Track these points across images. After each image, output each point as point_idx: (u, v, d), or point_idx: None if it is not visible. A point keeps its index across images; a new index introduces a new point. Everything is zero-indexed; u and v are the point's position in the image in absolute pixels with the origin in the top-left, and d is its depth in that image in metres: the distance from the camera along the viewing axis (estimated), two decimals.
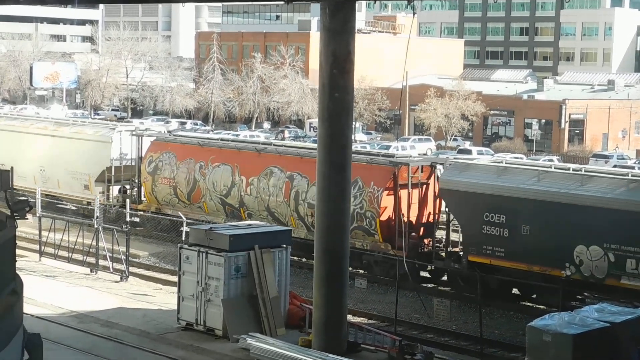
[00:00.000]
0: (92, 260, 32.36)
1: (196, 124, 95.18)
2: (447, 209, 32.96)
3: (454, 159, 37.64)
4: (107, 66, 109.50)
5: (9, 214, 13.76)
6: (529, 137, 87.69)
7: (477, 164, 32.80)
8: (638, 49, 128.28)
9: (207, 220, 36.61)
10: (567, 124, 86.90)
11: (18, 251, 26.89)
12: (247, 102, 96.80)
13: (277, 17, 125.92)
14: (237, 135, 73.80)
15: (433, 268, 33.39)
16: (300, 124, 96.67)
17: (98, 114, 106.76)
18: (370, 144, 77.47)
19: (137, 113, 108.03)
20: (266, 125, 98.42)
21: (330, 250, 22.56)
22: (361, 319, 28.34)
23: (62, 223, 35.19)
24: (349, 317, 24.85)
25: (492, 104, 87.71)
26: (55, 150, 44.67)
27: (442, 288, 33.01)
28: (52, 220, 35.12)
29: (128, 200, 39.55)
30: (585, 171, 30.18)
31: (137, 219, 41.15)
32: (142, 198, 41.60)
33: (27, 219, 41.44)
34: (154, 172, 40.67)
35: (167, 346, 23.38)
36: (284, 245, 25.15)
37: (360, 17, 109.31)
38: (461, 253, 31.61)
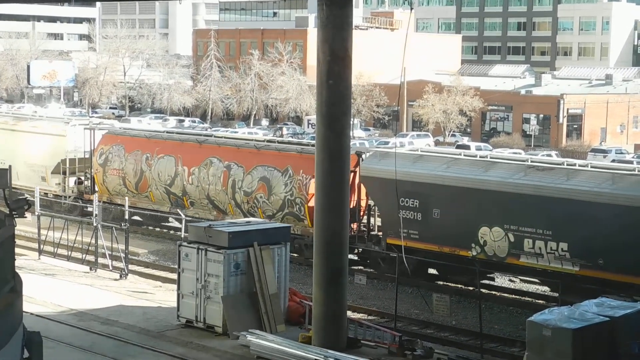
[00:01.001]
0: (91, 258, 32.36)
1: (194, 122, 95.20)
2: (367, 195, 34.82)
3: (375, 147, 39.16)
4: (104, 64, 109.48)
5: (8, 212, 13.76)
6: (527, 132, 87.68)
7: (392, 153, 34.23)
8: (635, 43, 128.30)
9: (154, 210, 39.40)
10: (565, 119, 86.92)
11: (17, 250, 26.91)
12: (245, 99, 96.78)
13: (275, 13, 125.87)
14: (236, 132, 73.82)
15: (361, 251, 34.78)
16: (298, 120, 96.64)
17: (96, 112, 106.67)
18: (369, 140, 77.52)
19: (135, 111, 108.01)
20: (264, 122, 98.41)
21: (329, 246, 22.56)
22: (361, 315, 28.35)
23: (60, 221, 35.18)
24: (349, 313, 24.86)
25: (490, 99, 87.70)
26: (14, 144, 46.54)
27: (367, 269, 33.87)
28: (51, 218, 35.12)
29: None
30: (490, 158, 32.49)
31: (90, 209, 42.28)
32: (96, 189, 43.37)
33: (25, 217, 41.58)
34: (105, 163, 42.54)
35: (167, 343, 23.38)
36: (283, 242, 25.15)
37: (358, 13, 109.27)
38: (381, 236, 33.52)
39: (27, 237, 37.24)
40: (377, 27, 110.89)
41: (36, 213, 34.96)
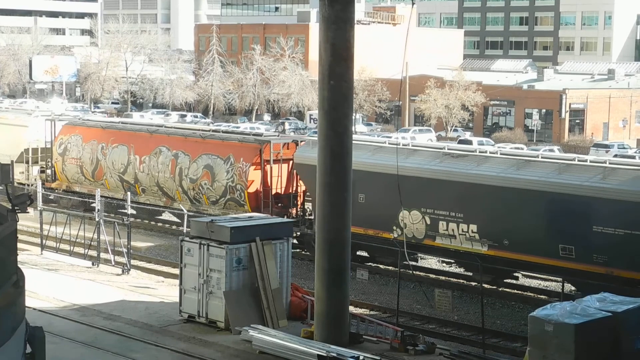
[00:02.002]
0: (93, 253, 32.38)
1: (196, 117, 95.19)
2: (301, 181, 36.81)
3: (309, 136, 41.94)
4: (106, 59, 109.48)
5: (10, 207, 13.75)
6: (530, 127, 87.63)
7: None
8: (638, 38, 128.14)
9: (109, 196, 41.03)
10: (567, 114, 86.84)
11: (20, 245, 26.85)
12: (247, 94, 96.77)
13: (276, 8, 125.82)
14: (237, 127, 73.84)
15: (299, 234, 36.05)
16: (300, 115, 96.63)
17: (98, 107, 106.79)
18: (371, 135, 77.44)
19: (137, 106, 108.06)
20: (266, 117, 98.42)
21: (331, 241, 22.55)
22: (363, 310, 28.37)
23: (63, 216, 35.20)
24: (351, 309, 24.85)
25: (492, 94, 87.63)
26: None
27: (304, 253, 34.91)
28: (54, 213, 35.14)
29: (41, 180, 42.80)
30: (412, 146, 34.69)
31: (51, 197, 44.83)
32: (56, 177, 45.77)
33: (28, 212, 41.69)
34: (64, 153, 44.76)
35: (170, 338, 23.39)
36: (285, 237, 25.15)
37: (360, 8, 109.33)
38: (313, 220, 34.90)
39: (30, 232, 37.28)
40: (379, 22, 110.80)
41: (38, 208, 35.00)
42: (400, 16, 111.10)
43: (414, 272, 31.56)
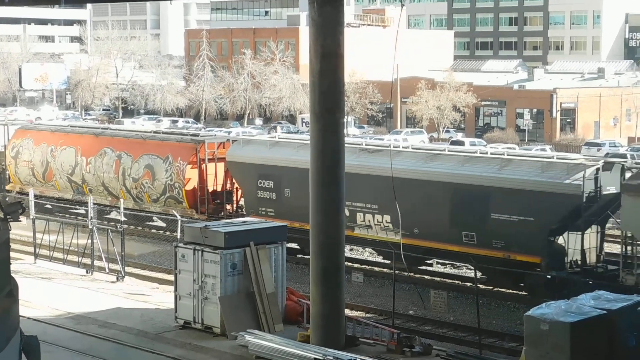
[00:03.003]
0: (87, 261, 32.29)
1: (188, 122, 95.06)
2: (234, 179, 38.79)
3: (240, 136, 44.73)
4: (96, 66, 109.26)
5: (2, 216, 13.71)
6: (521, 127, 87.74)
7: (254, 140, 39.93)
8: (626, 37, 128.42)
9: (59, 197, 43.07)
10: (558, 113, 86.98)
11: (13, 254, 26.74)
12: (239, 99, 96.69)
13: (266, 12, 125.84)
14: (229, 132, 73.81)
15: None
16: (292, 119, 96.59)
17: (89, 114, 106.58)
18: (363, 138, 77.45)
19: (128, 112, 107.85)
20: (258, 121, 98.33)
21: (326, 245, 22.54)
22: (359, 312, 28.37)
23: (56, 225, 35.10)
24: (347, 311, 24.85)
25: (483, 94, 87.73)
26: None
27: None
28: (46, 222, 35.04)
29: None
30: None
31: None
32: (10, 180, 47.82)
33: (20, 221, 41.62)
34: (16, 156, 46.97)
35: (166, 345, 23.34)
36: (280, 241, 25.12)
37: (349, 10, 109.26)
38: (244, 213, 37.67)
39: (23, 241, 37.16)
40: (369, 25, 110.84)
41: (31, 217, 34.90)
42: (390, 18, 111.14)
43: (410, 273, 31.67)
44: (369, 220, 33.56)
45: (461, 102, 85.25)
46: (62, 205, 44.23)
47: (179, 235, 32.33)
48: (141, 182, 40.89)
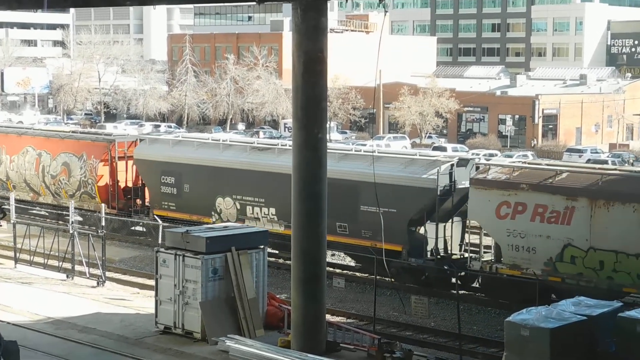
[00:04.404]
0: (68, 266, 32.14)
1: (170, 127, 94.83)
2: (140, 175, 41.33)
3: (147, 134, 48.55)
4: (79, 70, 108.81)
5: None
6: (503, 133, 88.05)
7: (159, 139, 42.20)
8: (608, 43, 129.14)
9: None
10: (540, 119, 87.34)
11: None
12: (221, 104, 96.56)
13: (249, 17, 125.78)
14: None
15: (142, 223, 40.96)
16: (275, 124, 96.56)
17: (71, 119, 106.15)
18: (346, 143, 77.49)
19: (111, 117, 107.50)
20: (240, 126, 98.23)
21: (307, 250, 22.53)
22: (340, 318, 28.35)
23: (37, 229, 34.93)
24: (328, 317, 24.82)
25: (465, 100, 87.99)
26: None
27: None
28: (27, 226, 34.87)
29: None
30: (229, 141, 39.46)
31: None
32: None
33: (1, 225, 41.48)
34: None
35: (146, 350, 23.26)
36: (261, 246, 25.10)
37: (333, 16, 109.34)
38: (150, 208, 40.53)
39: (3, 246, 36.96)
40: (352, 30, 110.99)
41: (12, 221, 34.71)
42: (373, 24, 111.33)
43: (392, 279, 31.70)
44: (257, 213, 36.22)
45: (444, 108, 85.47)
46: None
47: (160, 240, 32.26)
48: (59, 179, 43.54)
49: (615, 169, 32.92)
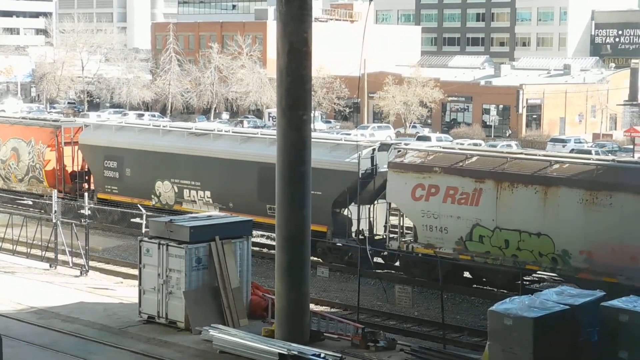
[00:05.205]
0: (51, 255, 32.02)
1: (154, 116, 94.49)
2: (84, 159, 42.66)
3: (93, 121, 50.11)
4: (62, 59, 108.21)
5: None
6: (487, 123, 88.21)
7: (103, 125, 44.15)
8: (592, 34, 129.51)
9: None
10: (524, 109, 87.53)
11: None
12: (205, 93, 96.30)
13: (234, 6, 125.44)
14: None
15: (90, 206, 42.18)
16: (259, 113, 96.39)
17: (54, 107, 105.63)
18: (330, 133, 77.48)
19: (94, 106, 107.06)
20: (225, 115, 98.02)
21: (291, 239, 22.51)
22: (324, 307, 28.38)
23: (19, 218, 34.77)
24: (312, 306, 24.83)
25: (450, 90, 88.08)
26: None
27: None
28: (10, 215, 34.70)
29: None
30: (169, 127, 40.95)
31: None
32: None
33: None
34: None
35: (129, 340, 23.21)
36: (245, 236, 25.06)
37: (317, 5, 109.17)
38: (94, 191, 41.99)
39: None
40: (336, 20, 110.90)
41: None
42: (358, 13, 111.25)
43: (375, 269, 31.79)
44: (194, 196, 37.83)
45: (428, 97, 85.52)
46: None
47: (143, 229, 32.17)
48: (8, 163, 44.89)
49: (521, 153, 34.21)
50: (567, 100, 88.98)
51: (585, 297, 20.04)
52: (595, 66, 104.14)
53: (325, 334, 23.40)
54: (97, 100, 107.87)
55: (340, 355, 21.12)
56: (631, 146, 71.11)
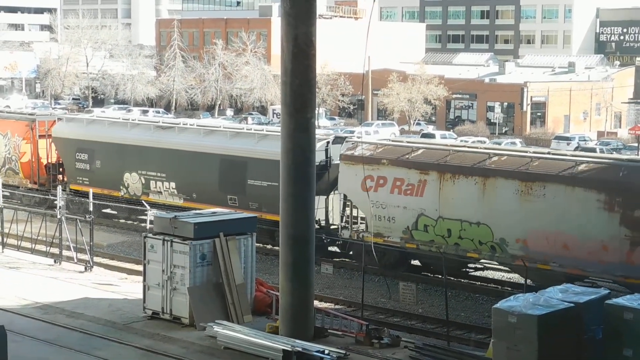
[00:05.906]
0: (55, 250, 32.04)
1: (158, 112, 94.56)
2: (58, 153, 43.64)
3: (66, 115, 50.91)
4: (66, 55, 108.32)
5: None
6: (492, 120, 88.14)
7: (75, 118, 45.34)
8: (597, 31, 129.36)
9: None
10: (528, 107, 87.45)
11: None
12: (210, 90, 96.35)
13: (238, 3, 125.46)
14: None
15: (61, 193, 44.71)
16: (263, 110, 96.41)
17: (59, 103, 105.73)
18: (334, 130, 77.46)
19: (99, 102, 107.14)
20: (229, 112, 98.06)
21: (295, 236, 22.51)
22: (328, 304, 28.39)
23: (24, 214, 34.81)
24: (316, 303, 24.84)
25: (454, 87, 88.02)
26: None
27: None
28: (14, 211, 34.75)
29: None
30: (138, 121, 42.72)
31: None
32: None
33: None
34: None
35: (133, 335, 23.23)
36: (249, 232, 25.07)
37: (322, 2, 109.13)
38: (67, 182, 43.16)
39: None
40: (341, 17, 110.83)
41: None
42: (362, 10, 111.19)
43: (380, 266, 31.79)
44: (160, 187, 39.18)
45: (432, 94, 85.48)
46: None
47: (148, 225, 32.18)
48: None
49: (463, 146, 35.18)
50: (572, 98, 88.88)
51: (589, 295, 20.03)
52: (600, 64, 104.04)
53: (329, 330, 23.40)
54: (102, 96, 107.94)
55: (344, 351, 21.13)
56: (636, 144, 71.01)
